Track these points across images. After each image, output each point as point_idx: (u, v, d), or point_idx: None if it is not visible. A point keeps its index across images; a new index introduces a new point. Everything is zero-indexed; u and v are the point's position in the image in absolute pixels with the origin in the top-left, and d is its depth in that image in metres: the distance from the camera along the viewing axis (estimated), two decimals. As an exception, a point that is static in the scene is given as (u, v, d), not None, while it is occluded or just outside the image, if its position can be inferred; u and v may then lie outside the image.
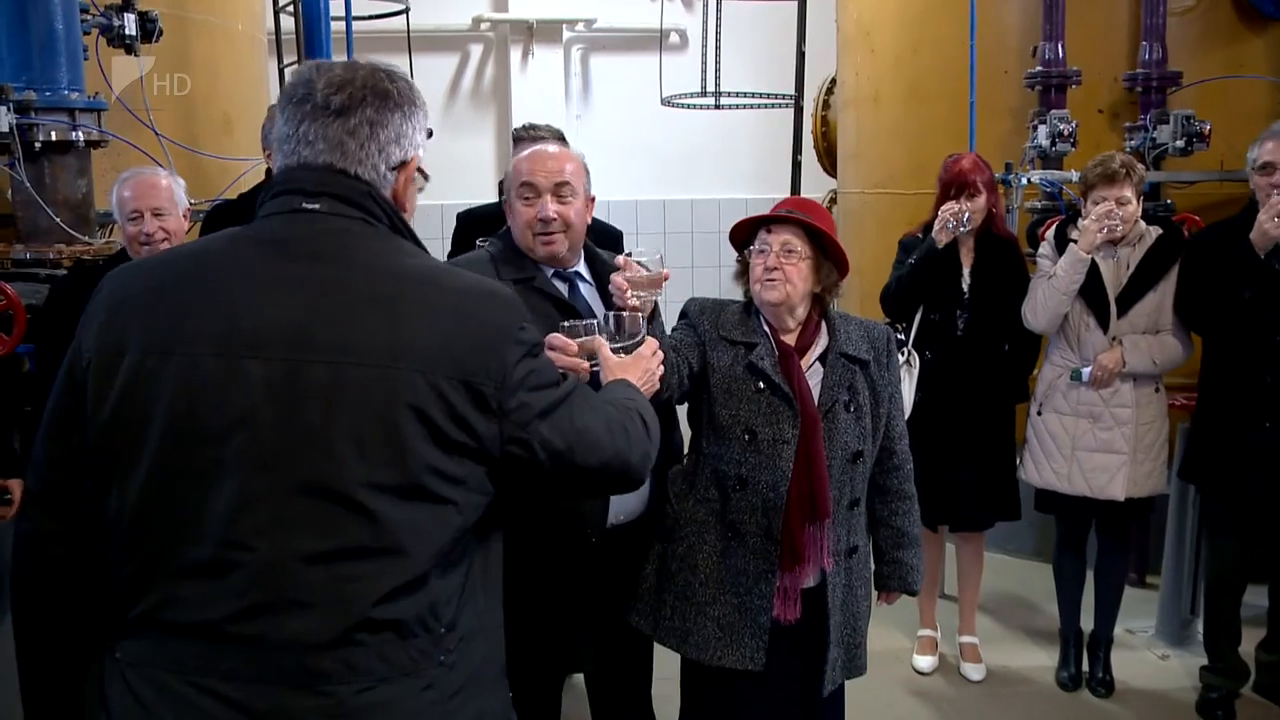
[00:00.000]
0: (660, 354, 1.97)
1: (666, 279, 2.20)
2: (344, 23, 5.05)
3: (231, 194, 4.16)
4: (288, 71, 5.50)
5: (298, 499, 1.31)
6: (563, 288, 2.40)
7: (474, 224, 3.63)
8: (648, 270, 2.18)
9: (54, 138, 3.29)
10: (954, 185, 3.57)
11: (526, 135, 3.60)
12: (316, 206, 1.42)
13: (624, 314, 2.02)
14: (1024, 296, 3.54)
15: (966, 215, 3.49)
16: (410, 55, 5.71)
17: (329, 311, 1.35)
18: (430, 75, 7.12)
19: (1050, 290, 3.43)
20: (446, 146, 5.28)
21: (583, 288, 2.45)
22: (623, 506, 2.43)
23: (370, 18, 5.99)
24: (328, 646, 1.32)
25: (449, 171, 4.28)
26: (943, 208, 3.54)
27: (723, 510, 2.40)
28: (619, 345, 1.96)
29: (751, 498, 2.36)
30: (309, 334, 1.34)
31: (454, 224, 3.89)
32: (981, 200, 3.58)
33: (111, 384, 1.36)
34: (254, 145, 4.36)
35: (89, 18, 3.51)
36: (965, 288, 3.63)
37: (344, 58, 5.02)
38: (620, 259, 2.19)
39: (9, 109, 3.17)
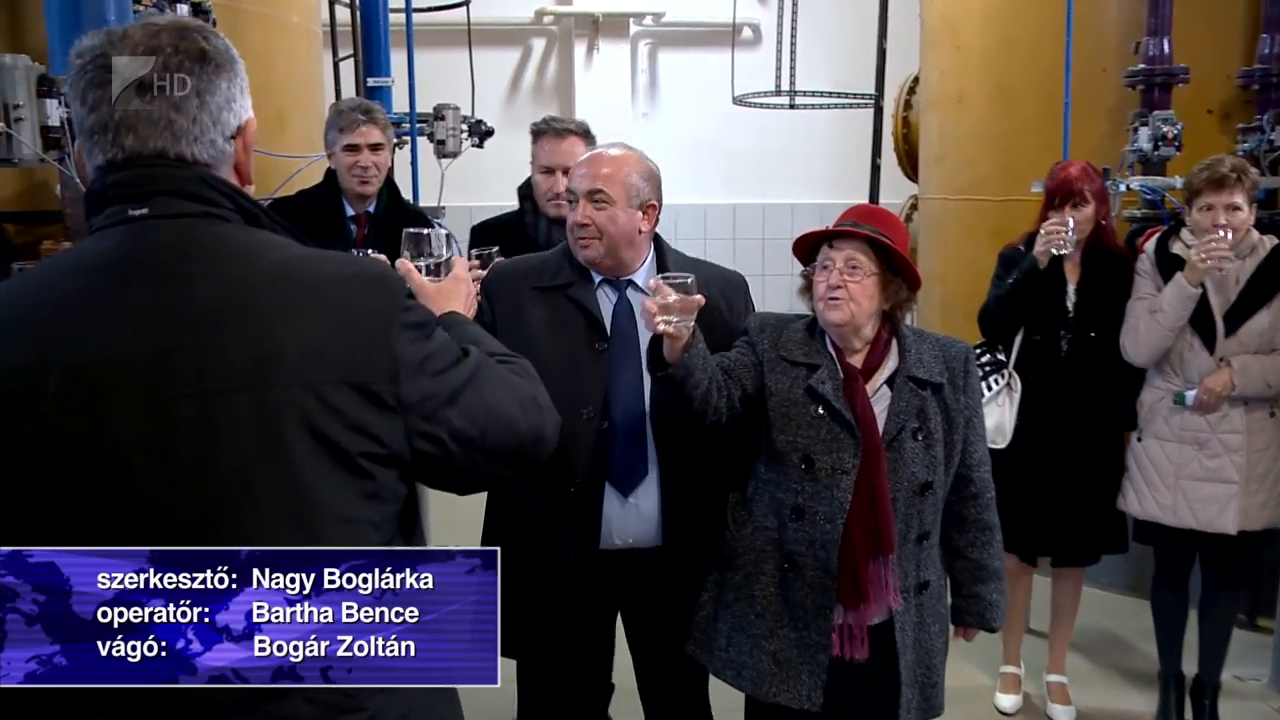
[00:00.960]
0: (472, 273, 1.77)
1: (701, 304, 2.08)
2: (403, 15, 4.98)
3: (289, 190, 4.05)
4: (343, 66, 5.41)
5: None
6: (612, 295, 2.39)
7: (488, 237, 3.23)
8: (682, 294, 2.04)
9: (104, 132, 3.22)
10: (1059, 194, 3.33)
11: (547, 128, 3.34)
12: (145, 211, 1.24)
13: (423, 231, 1.78)
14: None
15: (1070, 231, 3.25)
16: (470, 49, 5.64)
17: (184, 336, 1.20)
18: (491, 70, 7.07)
19: (1154, 325, 3.19)
20: (506, 144, 5.15)
21: (633, 297, 2.39)
22: (630, 530, 2.36)
23: (430, 9, 5.89)
24: (246, 701, 1.20)
25: (508, 170, 4.15)
26: (1044, 225, 3.29)
27: (780, 540, 2.29)
28: (424, 265, 1.73)
29: (808, 529, 2.25)
30: (166, 367, 1.18)
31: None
32: (1089, 210, 3.33)
33: None
34: (307, 141, 4.25)
35: (141, 9, 3.43)
36: (1070, 306, 3.38)
37: (404, 52, 4.94)
38: (652, 282, 2.10)
39: (60, 102, 3.07)
